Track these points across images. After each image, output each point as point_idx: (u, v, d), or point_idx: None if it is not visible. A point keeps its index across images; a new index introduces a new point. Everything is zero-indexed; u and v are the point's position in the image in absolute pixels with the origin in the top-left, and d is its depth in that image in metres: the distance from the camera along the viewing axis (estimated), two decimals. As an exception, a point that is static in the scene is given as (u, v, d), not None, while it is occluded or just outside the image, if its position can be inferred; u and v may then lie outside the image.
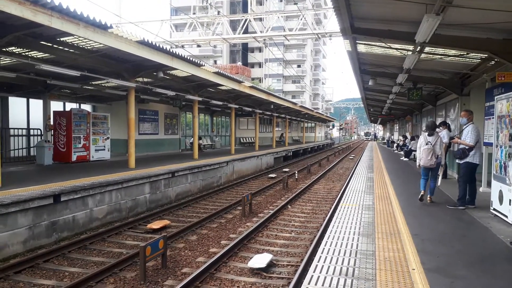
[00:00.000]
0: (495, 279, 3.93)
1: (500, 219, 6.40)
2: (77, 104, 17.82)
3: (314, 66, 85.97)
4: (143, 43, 10.16)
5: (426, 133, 7.98)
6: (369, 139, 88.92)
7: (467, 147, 7.35)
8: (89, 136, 15.03)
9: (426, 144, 7.82)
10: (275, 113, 29.41)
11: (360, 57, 12.20)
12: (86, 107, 18.29)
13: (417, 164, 8.25)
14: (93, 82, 14.60)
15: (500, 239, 5.37)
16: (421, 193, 8.07)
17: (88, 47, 10.16)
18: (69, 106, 17.03)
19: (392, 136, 41.97)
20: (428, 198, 8.09)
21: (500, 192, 6.41)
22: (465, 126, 7.69)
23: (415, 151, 18.61)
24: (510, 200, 6.00)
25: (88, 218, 8.78)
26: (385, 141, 43.73)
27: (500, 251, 4.87)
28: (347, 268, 4.15)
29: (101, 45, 9.46)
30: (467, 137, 7.44)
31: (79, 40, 9.37)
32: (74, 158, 14.43)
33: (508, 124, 6.23)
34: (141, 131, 20.33)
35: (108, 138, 16.04)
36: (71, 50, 10.27)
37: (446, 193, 9.18)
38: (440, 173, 8.53)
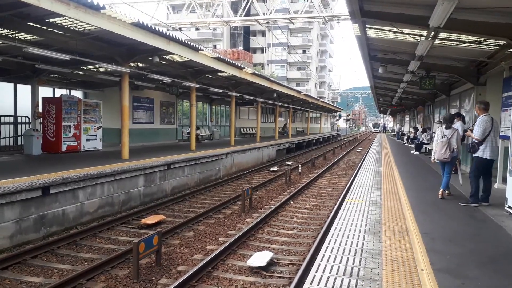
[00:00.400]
0: (508, 279, 3.94)
1: (515, 218, 6.41)
2: (68, 90, 17.80)
3: (320, 52, 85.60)
4: (138, 25, 10.11)
5: (443, 126, 8.18)
6: (378, 131, 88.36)
7: (476, 141, 7.33)
8: (80, 125, 15.04)
9: (442, 137, 8.00)
10: (278, 102, 29.34)
11: (370, 42, 12.11)
12: (77, 93, 18.27)
13: (432, 158, 8.42)
14: (85, 67, 14.57)
15: (515, 238, 5.38)
16: (440, 193, 8.16)
17: (79, 29, 10.11)
18: (59, 92, 17.01)
19: (403, 128, 41.89)
20: (440, 193, 8.17)
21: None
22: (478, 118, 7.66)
23: (427, 144, 18.64)
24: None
25: (78, 212, 8.82)
26: (395, 133, 43.64)
27: (514, 251, 4.88)
28: (352, 268, 4.16)
29: (93, 27, 9.41)
30: (475, 130, 7.43)
31: (70, 21, 9.32)
32: (64, 148, 14.47)
33: (526, 116, 6.19)
34: (135, 120, 20.34)
35: (100, 127, 16.05)
36: (61, 32, 10.23)
37: (459, 189, 9.18)
38: (459, 169, 8.66)
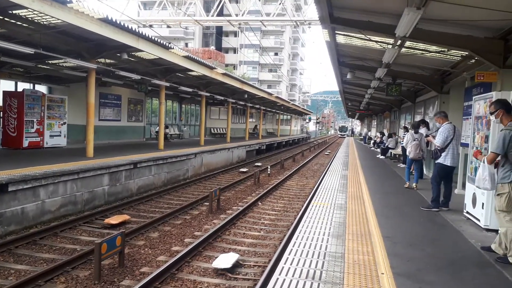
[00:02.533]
0: (463, 284, 4.10)
1: (472, 223, 6.66)
2: (31, 85, 17.18)
3: (292, 55, 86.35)
4: (106, 21, 9.90)
5: (413, 131, 10.24)
6: (345, 136, 79.32)
7: (438, 148, 7.62)
8: (43, 120, 14.57)
9: (414, 140, 9.93)
10: (249, 103, 29.40)
11: (339, 48, 12.34)
12: (41, 88, 17.65)
13: (410, 156, 10.11)
14: (50, 61, 14.11)
15: (471, 243, 5.58)
16: (406, 185, 10.26)
17: (45, 23, 9.80)
18: (22, 86, 16.39)
19: (370, 133, 42.83)
20: (414, 186, 10.01)
21: (474, 195, 6.66)
22: (439, 126, 7.94)
23: (393, 149, 19.12)
24: (483, 203, 6.24)
25: (39, 210, 8.54)
26: (362, 137, 44.59)
27: (470, 255, 5.07)
28: (315, 271, 4.22)
29: (59, 21, 9.15)
30: (437, 137, 7.73)
31: (34, 14, 9.02)
32: (25, 144, 13.97)
33: (484, 125, 6.46)
34: (102, 116, 19.87)
35: (65, 123, 15.60)
36: (25, 25, 9.88)
37: (421, 194, 9.46)
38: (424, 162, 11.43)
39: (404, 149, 15.40)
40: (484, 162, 5.16)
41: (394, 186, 10.83)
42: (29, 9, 8.24)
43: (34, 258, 6.61)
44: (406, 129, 15.31)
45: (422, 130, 10.71)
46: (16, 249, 6.92)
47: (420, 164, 10.38)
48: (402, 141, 15.08)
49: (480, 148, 6.53)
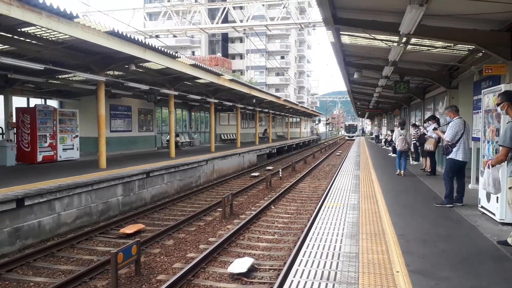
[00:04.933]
0: (478, 279, 4.06)
1: (488, 217, 6.59)
2: (42, 100, 17.46)
3: (298, 58, 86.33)
4: (113, 34, 10.04)
5: (399, 128, 12.33)
6: (354, 138, 64.01)
7: (449, 143, 7.55)
8: (56, 135, 14.78)
9: (400, 136, 12.00)
10: (257, 107, 29.45)
11: (345, 48, 12.33)
12: (53, 103, 17.93)
13: (397, 148, 12.11)
14: (59, 76, 14.35)
15: (487, 237, 5.53)
16: (397, 172, 12.22)
17: (53, 38, 9.97)
18: (34, 102, 16.67)
19: (381, 131, 42.44)
20: (402, 173, 12.05)
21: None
22: (450, 120, 7.88)
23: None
24: (497, 197, 6.17)
25: (55, 223, 8.66)
26: (373, 136, 44.16)
27: (485, 250, 5.02)
28: (329, 272, 4.22)
29: (67, 36, 9.32)
30: (447, 132, 7.66)
31: (42, 31, 9.19)
32: (39, 158, 14.18)
33: (495, 118, 6.40)
34: (113, 128, 20.09)
35: (77, 136, 15.80)
36: (33, 42, 10.07)
37: (435, 190, 9.39)
38: (410, 154, 14.39)
39: (415, 146, 15.34)
40: (488, 168, 5.16)
41: (406, 184, 10.76)
42: (37, 26, 8.39)
43: (52, 270, 6.71)
44: (415, 126, 15.22)
45: (431, 126, 10.96)
46: (34, 262, 7.03)
47: (406, 155, 12.49)
48: (413, 138, 14.99)
49: (492, 142, 6.48)
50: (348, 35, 10.36)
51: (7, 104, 14.66)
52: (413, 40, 9.40)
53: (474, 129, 8.91)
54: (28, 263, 6.93)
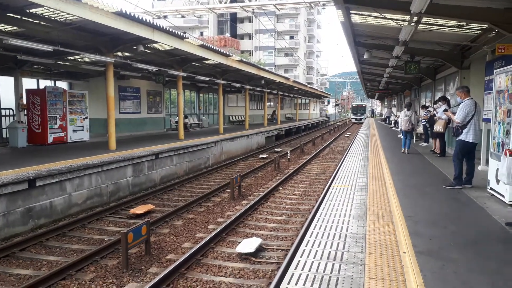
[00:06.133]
0: (486, 261, 4.06)
1: (497, 199, 6.56)
2: (52, 81, 17.53)
3: (308, 38, 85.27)
4: (121, 14, 9.98)
5: (406, 109, 13.34)
6: (362, 120, 56.23)
7: (459, 124, 7.45)
8: (66, 116, 14.88)
9: (406, 116, 13.02)
10: (266, 89, 29.29)
11: (355, 28, 12.13)
12: (62, 84, 18.00)
13: (399, 129, 13.42)
14: (68, 57, 14.38)
15: (495, 219, 5.51)
16: (402, 150, 13.17)
17: (61, 19, 9.95)
18: (43, 83, 16.75)
19: (393, 112, 41.76)
20: (406, 151, 13.00)
21: (497, 171, 6.53)
22: (461, 101, 7.76)
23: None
24: (507, 179, 6.12)
25: (66, 203, 8.80)
26: (383, 118, 43.65)
27: (494, 232, 5.01)
28: (336, 252, 4.25)
29: (75, 17, 9.29)
30: (457, 114, 7.56)
31: (51, 11, 9.17)
32: (50, 139, 14.32)
33: (506, 99, 6.30)
34: (122, 109, 20.16)
35: (86, 117, 15.91)
36: (42, 23, 10.07)
37: (444, 172, 9.34)
38: (415, 134, 15.48)
39: (425, 127, 15.21)
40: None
41: (415, 166, 10.72)
42: (45, 7, 8.37)
43: (64, 249, 6.85)
44: (425, 107, 15.06)
45: (441, 107, 11.09)
46: (47, 241, 7.18)
47: (411, 134, 13.64)
48: (423, 119, 14.86)
49: (503, 123, 6.40)
50: (358, 14, 10.17)
51: (17, 85, 14.76)
52: (424, 19, 9.19)
53: (485, 110, 8.80)
54: (41, 243, 7.08)
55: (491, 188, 6.93)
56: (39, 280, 5.27)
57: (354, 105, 67.01)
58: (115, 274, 5.73)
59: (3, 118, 15.55)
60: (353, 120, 60.84)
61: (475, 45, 10.72)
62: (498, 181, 6.54)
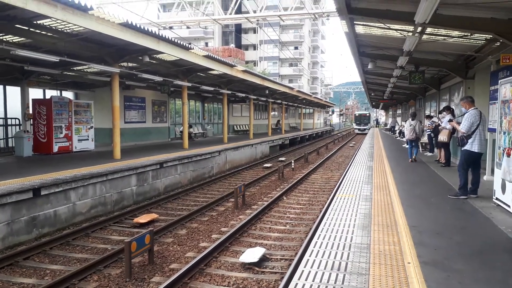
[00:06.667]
0: (492, 271, 4.02)
1: (502, 209, 6.50)
2: (58, 91, 17.69)
3: (312, 48, 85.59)
4: (127, 26, 10.08)
5: (410, 119, 13.58)
6: (365, 131, 52.29)
7: (465, 134, 7.43)
8: (71, 126, 14.98)
9: (410, 126, 13.34)
10: (270, 98, 29.37)
11: (359, 38, 12.17)
12: (68, 94, 18.17)
13: (405, 138, 14.25)
14: (74, 68, 14.49)
15: (501, 230, 5.46)
16: (410, 160, 13.41)
17: (68, 31, 10.06)
18: (49, 93, 16.90)
19: (396, 121, 41.58)
20: (414, 159, 13.34)
21: (503, 180, 6.49)
22: (465, 111, 7.74)
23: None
24: (513, 188, 6.08)
25: (70, 212, 8.81)
26: (388, 127, 43.45)
27: (500, 242, 4.96)
28: (340, 263, 4.22)
29: (81, 28, 9.38)
30: (462, 124, 7.54)
31: (58, 23, 9.28)
32: (55, 149, 14.40)
33: (511, 109, 6.27)
34: (127, 119, 20.26)
35: (91, 127, 16.00)
36: (49, 34, 10.18)
37: (449, 182, 9.28)
38: (419, 145, 15.26)
39: (430, 137, 15.17)
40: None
41: (420, 175, 10.66)
42: (52, 18, 8.46)
43: (68, 258, 6.84)
44: (429, 117, 15.03)
45: (447, 118, 10.88)
46: (50, 250, 7.18)
47: (417, 143, 13.92)
48: (428, 129, 14.83)
49: (508, 133, 6.36)
50: (363, 25, 10.22)
51: (24, 95, 14.90)
52: (428, 30, 9.22)
53: (490, 120, 8.76)
54: (45, 251, 7.08)
55: (496, 198, 6.87)
56: (42, 289, 5.26)
57: (357, 115, 63.21)
58: (118, 283, 5.71)
59: (9, 127, 15.70)
60: (356, 131, 57.33)
61: (479, 55, 10.71)
62: (504, 191, 6.49)
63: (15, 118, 15.67)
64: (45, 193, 8.09)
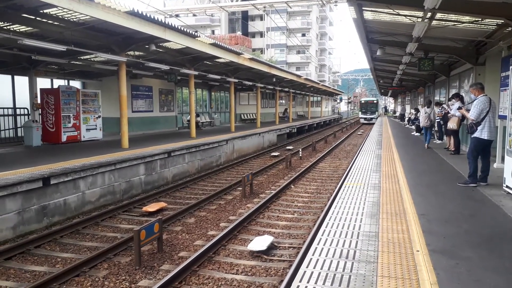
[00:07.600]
0: (501, 259, 4.01)
1: (512, 197, 6.46)
2: (66, 81, 17.77)
3: (320, 35, 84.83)
4: (133, 14, 10.05)
5: (425, 107, 14.37)
6: (372, 120, 47.21)
7: (474, 121, 7.35)
8: (79, 115, 15.07)
9: (425, 113, 13.84)
10: (277, 87, 29.25)
11: (367, 25, 12.03)
12: (75, 83, 18.24)
13: (421, 125, 14.90)
14: (82, 57, 14.53)
15: (511, 217, 5.43)
16: (426, 146, 13.74)
17: (74, 20, 10.07)
18: (57, 83, 16.99)
19: (406, 109, 41.09)
20: (426, 146, 13.68)
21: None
22: (475, 98, 7.65)
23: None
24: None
25: (80, 201, 8.92)
26: (398, 115, 42.98)
27: (510, 230, 4.94)
28: (348, 251, 4.23)
29: (88, 17, 9.39)
30: (471, 111, 7.45)
31: (64, 12, 9.28)
32: (64, 138, 14.51)
33: (523, 96, 6.20)
34: (135, 108, 20.33)
35: (99, 116, 16.08)
36: (55, 23, 10.19)
37: (458, 170, 9.23)
38: (434, 132, 15.86)
39: (439, 125, 15.05)
40: None
41: (429, 163, 10.60)
42: (58, 7, 8.48)
43: (78, 246, 6.94)
44: (439, 105, 14.89)
45: (456, 105, 10.90)
46: (61, 238, 7.29)
47: (431, 130, 14.42)
48: (437, 116, 14.70)
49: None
50: (371, 10, 10.09)
51: (32, 85, 14.98)
52: (438, 15, 9.08)
53: (500, 106, 8.66)
54: (55, 240, 7.19)
55: (507, 186, 6.83)
56: (53, 277, 5.35)
57: (363, 102, 54.60)
58: (128, 271, 5.79)
59: (18, 117, 15.82)
60: (362, 120, 50.58)
61: (490, 41, 10.55)
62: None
63: (24, 108, 15.79)
64: (55, 182, 8.19)
